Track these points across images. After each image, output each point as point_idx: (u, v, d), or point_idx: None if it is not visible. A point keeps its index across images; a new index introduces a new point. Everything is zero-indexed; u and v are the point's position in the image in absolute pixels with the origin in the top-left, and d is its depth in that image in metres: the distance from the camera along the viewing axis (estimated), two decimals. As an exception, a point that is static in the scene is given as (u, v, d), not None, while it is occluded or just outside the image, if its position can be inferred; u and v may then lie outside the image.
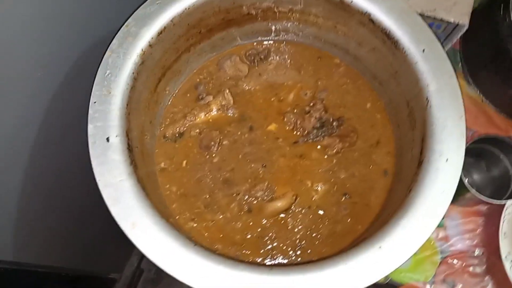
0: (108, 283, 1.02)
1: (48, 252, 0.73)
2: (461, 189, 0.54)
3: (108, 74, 0.49)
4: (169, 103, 0.63)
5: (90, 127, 0.47)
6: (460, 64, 0.69)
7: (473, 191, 0.53)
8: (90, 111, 0.48)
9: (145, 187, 0.48)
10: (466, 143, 0.58)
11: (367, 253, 0.43)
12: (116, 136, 0.47)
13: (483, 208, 0.62)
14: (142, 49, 0.52)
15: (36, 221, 0.65)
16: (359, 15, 0.55)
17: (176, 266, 0.42)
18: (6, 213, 0.56)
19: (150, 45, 0.53)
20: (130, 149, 0.49)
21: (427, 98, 0.49)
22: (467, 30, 0.58)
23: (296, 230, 0.56)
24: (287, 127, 0.62)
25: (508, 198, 0.56)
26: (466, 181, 0.55)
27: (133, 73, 0.51)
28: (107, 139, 0.47)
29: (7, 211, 0.56)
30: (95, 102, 0.48)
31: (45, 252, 0.71)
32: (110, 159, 0.46)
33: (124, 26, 0.52)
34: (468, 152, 0.59)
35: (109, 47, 0.50)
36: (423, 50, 0.51)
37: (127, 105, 0.50)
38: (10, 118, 0.48)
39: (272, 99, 0.64)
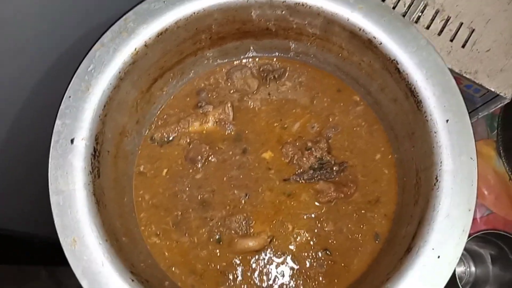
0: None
1: (25, 219, 0.72)
2: (450, 282, 0.47)
3: (91, 69, 0.45)
4: (166, 104, 0.59)
5: (57, 123, 0.43)
6: (495, 131, 0.61)
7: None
8: (62, 106, 0.44)
9: (101, 199, 0.44)
10: (478, 225, 0.51)
11: None
12: (82, 139, 0.43)
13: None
14: (135, 48, 0.47)
15: (13, 190, 0.63)
16: (386, 60, 0.47)
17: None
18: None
19: (146, 45, 0.48)
20: (95, 154, 0.44)
21: (437, 178, 0.42)
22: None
23: (262, 276, 0.51)
24: (283, 159, 0.56)
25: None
26: (460, 270, 0.48)
27: (119, 72, 0.46)
28: (72, 141, 0.43)
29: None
30: (69, 97, 0.44)
31: (21, 218, 0.70)
32: (68, 164, 0.42)
33: (122, 18, 0.47)
34: (477, 239, 0.52)
35: (100, 39, 0.46)
36: (447, 120, 0.43)
37: (105, 106, 0.46)
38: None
39: (275, 124, 0.58)
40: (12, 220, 0.66)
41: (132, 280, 0.40)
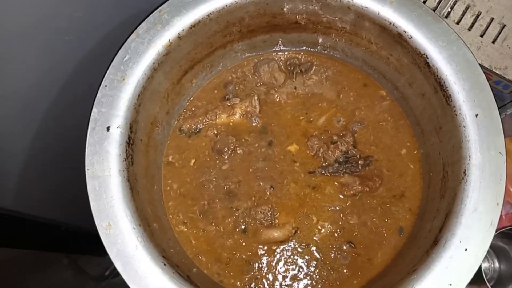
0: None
1: (53, 206, 0.74)
2: (475, 277, 0.47)
3: (127, 59, 0.47)
4: (194, 96, 0.60)
5: (94, 111, 0.45)
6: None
7: (486, 282, 0.46)
8: (98, 94, 0.45)
9: (134, 185, 0.45)
10: (503, 221, 0.51)
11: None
12: (118, 127, 0.45)
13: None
14: (169, 40, 0.48)
15: (42, 177, 0.65)
16: (416, 54, 0.48)
17: (137, 281, 0.40)
18: (15, 166, 0.56)
19: (179, 37, 0.49)
20: (130, 142, 0.46)
21: (465, 171, 0.43)
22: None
23: (286, 266, 0.52)
24: (309, 152, 0.57)
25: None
26: (484, 265, 0.48)
27: (154, 63, 0.48)
28: (108, 128, 0.44)
29: (15, 164, 0.55)
30: (106, 86, 0.46)
31: (48, 205, 0.72)
32: (104, 150, 0.44)
33: (157, 10, 0.48)
34: (502, 235, 0.52)
35: (135, 30, 0.47)
36: (476, 115, 0.43)
37: (139, 95, 0.47)
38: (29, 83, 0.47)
39: (301, 118, 0.59)
40: (39, 207, 0.67)
41: (164, 264, 0.41)
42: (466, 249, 0.40)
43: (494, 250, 0.57)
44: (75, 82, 0.54)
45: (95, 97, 0.45)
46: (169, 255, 0.45)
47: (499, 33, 0.50)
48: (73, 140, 0.64)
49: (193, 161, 0.58)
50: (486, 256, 0.57)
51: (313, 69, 0.61)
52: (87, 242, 0.96)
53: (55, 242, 0.84)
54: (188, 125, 0.59)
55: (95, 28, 0.50)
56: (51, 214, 0.73)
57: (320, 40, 0.58)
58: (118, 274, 1.13)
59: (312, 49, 0.60)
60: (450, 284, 0.39)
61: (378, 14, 0.48)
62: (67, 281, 0.96)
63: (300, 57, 0.61)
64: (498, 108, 0.48)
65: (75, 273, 1.02)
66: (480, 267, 0.46)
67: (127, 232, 0.42)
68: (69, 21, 0.47)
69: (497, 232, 0.51)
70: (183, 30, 0.49)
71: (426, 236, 0.46)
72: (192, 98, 0.60)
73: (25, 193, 0.62)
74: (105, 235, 0.41)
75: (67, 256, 1.07)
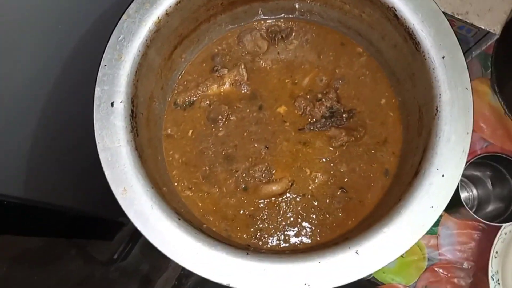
0: (116, 226, 1.08)
1: (59, 192, 0.77)
2: (457, 203, 0.53)
3: (121, 39, 0.50)
4: (184, 70, 0.64)
5: (97, 89, 0.49)
6: (489, 70, 0.66)
7: (467, 209, 0.52)
8: (99, 74, 0.49)
9: (142, 154, 0.49)
10: (478, 155, 0.56)
11: (343, 256, 0.44)
12: (121, 102, 0.49)
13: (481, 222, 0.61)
14: (158, 17, 0.52)
15: (49, 163, 0.68)
16: (385, 8, 0.52)
17: (156, 235, 0.44)
18: (20, 153, 0.59)
19: (167, 14, 0.52)
20: (133, 115, 0.50)
21: (437, 108, 0.48)
22: (501, 38, 0.55)
23: (287, 215, 0.57)
24: (297, 112, 0.61)
25: (503, 221, 0.54)
26: (464, 195, 0.54)
27: (146, 40, 0.51)
28: (112, 104, 0.48)
29: (22, 150, 0.58)
30: (105, 66, 0.49)
31: (56, 192, 0.75)
32: (111, 124, 0.48)
33: (143, -9, 0.51)
34: (475, 165, 0.58)
35: (126, 11, 0.51)
36: (443, 57, 0.48)
37: (136, 71, 0.51)
38: (27, 73, 0.50)
39: (287, 81, 0.63)
40: (45, 194, 0.70)
41: (179, 219, 0.46)
42: (443, 175, 0.45)
43: (471, 180, 0.63)
44: (74, 67, 0.57)
45: (96, 76, 0.49)
46: (181, 213, 0.50)
47: (459, -19, 0.55)
48: (73, 127, 0.67)
49: (190, 131, 0.62)
50: (464, 186, 0.63)
51: (293, 34, 0.65)
52: (95, 226, 1.00)
53: (64, 228, 0.87)
54: (182, 99, 0.63)
55: (87, 13, 0.53)
56: (58, 201, 0.76)
57: (297, 6, 0.62)
58: (126, 256, 1.17)
59: (290, 15, 0.64)
60: (432, 207, 0.44)
61: (347, -26, 0.52)
62: (76, 271, 0.98)
63: (280, 24, 0.65)
64: (464, 52, 0.53)
65: (84, 262, 1.04)
66: (458, 194, 0.52)
67: (141, 194, 0.46)
68: (60, 11, 0.50)
69: (471, 161, 0.56)
70: (170, 6, 0.52)
71: (408, 172, 0.51)
72: (183, 73, 0.63)
73: (30, 181, 0.65)
74: (123, 199, 0.46)
75: (75, 245, 1.10)
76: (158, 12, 0.52)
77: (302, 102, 0.61)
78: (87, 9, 0.54)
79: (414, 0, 0.51)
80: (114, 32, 0.50)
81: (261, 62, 0.64)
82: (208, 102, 0.62)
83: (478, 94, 0.65)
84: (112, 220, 1.04)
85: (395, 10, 0.51)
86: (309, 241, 0.56)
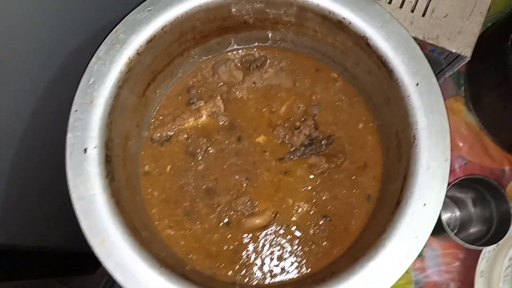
0: (98, 259, 1.05)
1: (37, 232, 0.74)
2: (439, 228, 0.53)
3: (92, 82, 0.49)
4: (160, 105, 0.63)
5: (69, 136, 0.47)
6: (463, 88, 0.67)
7: (450, 234, 0.52)
8: (70, 120, 0.47)
9: (119, 199, 0.48)
10: (459, 178, 0.57)
11: (330, 293, 0.43)
12: (94, 147, 0.47)
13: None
14: (129, 58, 0.51)
15: (24, 204, 0.66)
16: (357, 37, 0.52)
17: (138, 286, 0.43)
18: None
19: (138, 53, 0.51)
20: (108, 160, 0.48)
21: (414, 136, 0.48)
22: (473, 56, 0.55)
23: (272, 249, 0.56)
24: (276, 141, 0.61)
25: (485, 244, 0.55)
26: (447, 216, 0.54)
27: (118, 81, 0.50)
28: (85, 150, 0.47)
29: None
30: (76, 111, 0.48)
31: (34, 232, 0.73)
32: (85, 171, 0.46)
33: (113, 31, 0.50)
34: (458, 186, 0.58)
35: (95, 54, 0.49)
36: (417, 84, 0.49)
37: (109, 114, 0.49)
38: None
39: (264, 110, 0.63)
40: (24, 235, 0.68)
41: (161, 266, 0.45)
42: (424, 204, 0.45)
43: (453, 201, 0.63)
44: (45, 107, 0.55)
45: (68, 123, 0.47)
46: (162, 258, 0.48)
47: (427, 6, 0.55)
48: (53, 166, 0.65)
49: (169, 167, 0.60)
50: (447, 208, 0.63)
51: (268, 63, 0.65)
52: (76, 262, 0.97)
53: (46, 268, 0.84)
54: (158, 134, 0.62)
55: (54, 55, 0.52)
56: (36, 241, 0.74)
57: (270, 35, 0.61)
58: (111, 286, 1.13)
59: (264, 44, 0.64)
60: (416, 237, 0.44)
61: (318, 5, 0.52)
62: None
63: (253, 53, 0.65)
64: (437, 73, 0.53)
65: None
66: (440, 218, 0.52)
67: (120, 243, 0.45)
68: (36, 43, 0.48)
69: (452, 184, 0.57)
70: (140, 46, 0.51)
71: (391, 198, 0.51)
72: (158, 107, 0.62)
73: (5, 224, 0.63)
74: (100, 250, 0.44)
75: (59, 281, 1.07)
76: (128, 52, 0.51)
77: (281, 130, 0.61)
78: (54, 51, 0.52)
79: (385, 28, 0.51)
80: (84, 76, 0.49)
81: (237, 92, 0.63)
82: (185, 135, 0.61)
83: (453, 111, 0.66)
84: (93, 254, 1.02)
85: (367, 39, 0.51)
86: (296, 275, 0.55)
